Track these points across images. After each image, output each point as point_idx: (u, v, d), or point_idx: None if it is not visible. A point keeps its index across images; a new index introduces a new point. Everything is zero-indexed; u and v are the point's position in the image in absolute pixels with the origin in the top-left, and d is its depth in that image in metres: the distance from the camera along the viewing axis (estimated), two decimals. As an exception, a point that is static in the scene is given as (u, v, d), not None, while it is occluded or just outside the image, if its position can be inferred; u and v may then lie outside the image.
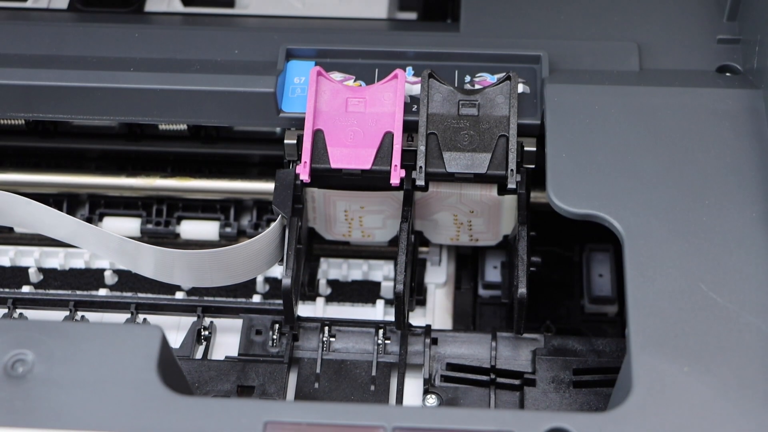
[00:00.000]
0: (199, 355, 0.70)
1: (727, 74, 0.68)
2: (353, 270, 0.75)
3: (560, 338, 0.68)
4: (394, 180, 0.64)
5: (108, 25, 0.71)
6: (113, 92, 0.67)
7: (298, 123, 0.66)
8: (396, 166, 0.64)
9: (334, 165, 0.64)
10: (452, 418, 0.53)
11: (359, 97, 0.65)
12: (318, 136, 0.65)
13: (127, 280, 0.74)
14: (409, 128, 0.65)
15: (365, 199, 0.68)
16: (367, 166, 0.64)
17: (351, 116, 0.65)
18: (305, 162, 0.64)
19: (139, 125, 0.75)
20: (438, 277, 0.74)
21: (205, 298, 0.72)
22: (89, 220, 0.75)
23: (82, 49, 0.70)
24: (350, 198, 0.68)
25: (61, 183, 0.75)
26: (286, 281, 0.64)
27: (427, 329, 0.68)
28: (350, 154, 0.64)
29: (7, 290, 0.73)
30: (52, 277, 0.75)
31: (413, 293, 0.71)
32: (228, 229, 0.76)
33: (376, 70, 0.68)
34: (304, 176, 0.64)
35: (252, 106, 0.67)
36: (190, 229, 0.76)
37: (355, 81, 0.68)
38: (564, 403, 0.65)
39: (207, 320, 0.71)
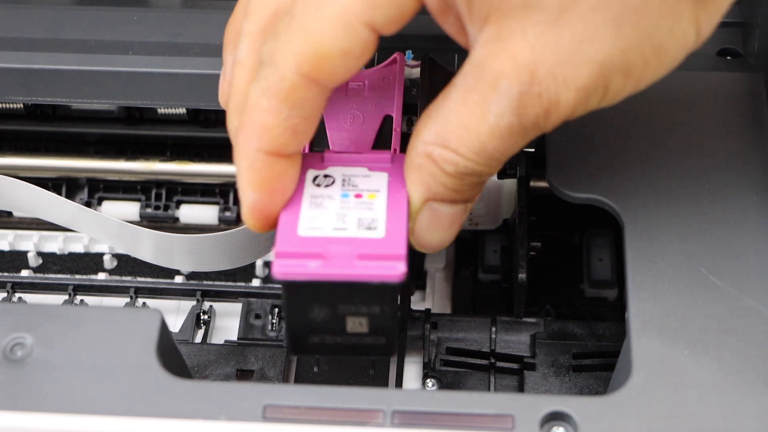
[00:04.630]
0: (198, 339, 0.70)
1: (728, 57, 0.68)
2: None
3: (560, 322, 0.68)
4: (394, 164, 0.64)
5: (107, 9, 0.71)
6: (112, 76, 0.67)
7: (298, 107, 0.66)
8: (395, 149, 0.64)
9: (333, 149, 0.64)
10: (452, 401, 0.53)
11: (359, 80, 0.65)
12: (319, 127, 0.64)
13: (127, 264, 0.74)
14: (409, 112, 0.65)
15: None
16: (367, 149, 0.64)
17: (351, 100, 0.65)
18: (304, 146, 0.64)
19: (138, 109, 0.75)
20: (437, 262, 0.74)
21: (205, 282, 0.72)
22: (88, 204, 0.75)
23: (81, 32, 0.70)
24: None
25: (60, 167, 0.75)
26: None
27: (427, 313, 0.68)
28: (350, 138, 0.64)
29: (6, 274, 0.73)
30: (51, 261, 0.75)
31: (413, 278, 0.71)
32: (227, 213, 0.76)
33: (376, 54, 0.68)
34: None
35: (251, 90, 0.67)
36: (190, 213, 0.76)
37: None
38: (563, 386, 0.65)
39: (206, 304, 0.71)
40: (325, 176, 0.57)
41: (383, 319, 0.55)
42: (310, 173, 0.58)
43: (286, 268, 0.53)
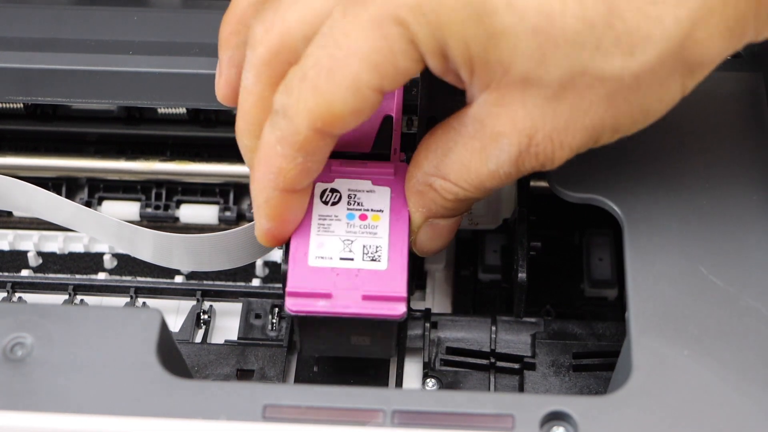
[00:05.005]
0: (198, 338, 0.70)
1: (727, 57, 0.68)
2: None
3: (560, 322, 0.68)
4: (394, 163, 0.64)
5: (107, 8, 0.71)
6: (112, 75, 0.67)
7: (298, 106, 0.66)
8: (396, 149, 0.64)
9: (333, 148, 0.64)
10: (452, 401, 0.53)
11: None
12: None
13: (127, 264, 0.74)
14: (409, 112, 0.65)
15: None
16: (367, 149, 0.64)
17: None
18: None
19: (138, 109, 0.75)
20: (437, 262, 0.74)
21: (205, 282, 0.72)
22: (88, 204, 0.75)
23: (81, 32, 0.70)
24: None
25: (60, 167, 0.75)
26: None
27: (427, 313, 0.68)
28: (349, 138, 0.64)
29: (6, 274, 0.73)
30: (51, 260, 0.75)
31: (413, 277, 0.71)
32: (227, 213, 0.75)
33: (376, 54, 0.68)
34: None
35: (251, 90, 0.67)
36: (190, 212, 0.76)
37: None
38: (564, 386, 0.65)
39: (206, 304, 0.71)
40: (332, 191, 0.61)
41: (384, 338, 0.62)
42: (318, 187, 0.61)
43: (297, 306, 0.59)
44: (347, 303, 0.58)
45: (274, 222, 0.59)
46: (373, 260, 0.60)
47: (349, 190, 0.62)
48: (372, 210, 0.61)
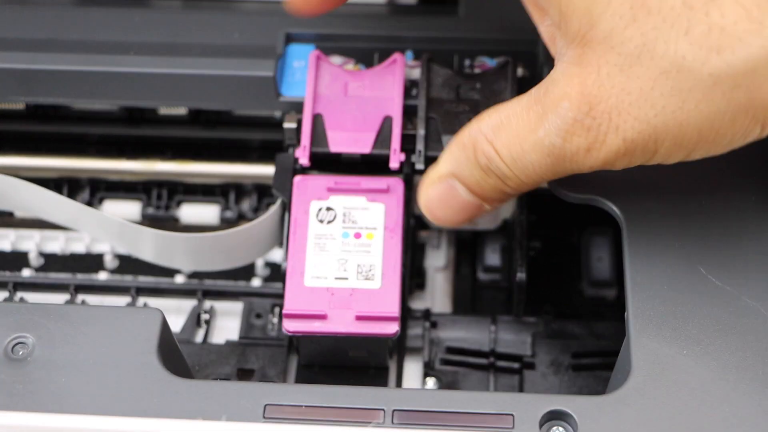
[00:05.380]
0: (199, 338, 0.70)
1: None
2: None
3: (559, 322, 0.68)
4: (394, 164, 0.64)
5: (108, 9, 0.71)
6: (113, 76, 0.67)
7: (298, 107, 0.66)
8: (395, 150, 0.64)
9: (333, 149, 0.64)
10: (452, 400, 0.53)
11: (359, 80, 0.65)
12: (317, 119, 0.65)
13: (128, 264, 0.74)
14: (409, 112, 0.65)
15: None
16: (367, 150, 0.64)
17: (351, 100, 0.65)
18: (304, 146, 0.64)
19: (139, 109, 0.75)
20: (437, 261, 0.74)
21: (206, 282, 0.72)
22: (89, 204, 0.75)
23: (82, 33, 0.70)
24: None
25: (61, 167, 0.75)
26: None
27: (427, 313, 0.68)
28: (350, 138, 0.64)
29: (7, 274, 0.73)
30: (52, 260, 0.75)
31: (412, 277, 0.71)
32: (228, 213, 0.76)
33: (376, 55, 0.68)
34: (304, 160, 0.64)
35: (252, 90, 0.67)
36: (191, 213, 0.76)
37: (355, 65, 0.68)
38: (563, 386, 0.65)
39: (207, 304, 0.71)
40: (328, 209, 0.63)
41: (379, 351, 0.65)
42: (314, 206, 0.63)
43: (294, 327, 0.61)
44: (341, 323, 0.61)
45: None
46: (366, 279, 0.61)
47: (344, 207, 0.63)
48: (366, 228, 0.63)
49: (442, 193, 0.58)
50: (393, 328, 0.61)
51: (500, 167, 0.56)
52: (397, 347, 0.68)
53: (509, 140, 0.55)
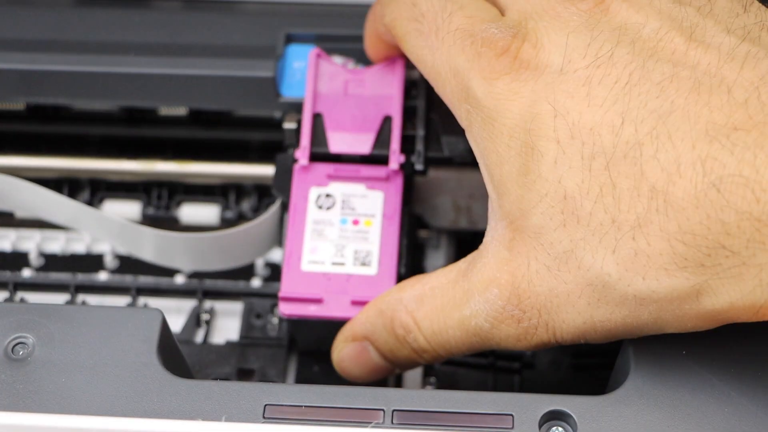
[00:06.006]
0: (199, 338, 0.70)
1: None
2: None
3: (559, 322, 0.68)
4: (393, 165, 0.64)
5: (108, 9, 0.71)
6: (113, 76, 0.67)
7: (298, 107, 0.66)
8: (395, 151, 0.64)
9: (333, 150, 0.64)
10: (451, 400, 0.53)
11: (359, 79, 0.65)
12: (317, 120, 0.65)
13: (128, 264, 0.74)
14: (409, 112, 0.65)
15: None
16: (367, 151, 0.64)
17: (350, 99, 0.65)
18: (304, 146, 0.64)
19: (139, 109, 0.75)
20: (437, 261, 0.74)
21: (206, 282, 0.72)
22: (89, 204, 0.75)
23: (83, 33, 0.70)
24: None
25: (61, 167, 0.75)
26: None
27: (427, 313, 0.68)
28: (350, 139, 0.64)
29: (8, 274, 0.73)
30: (53, 260, 0.75)
31: (414, 271, 0.71)
32: (228, 214, 0.76)
33: (376, 54, 0.68)
34: (303, 160, 0.64)
35: (252, 91, 0.67)
36: (191, 213, 0.76)
37: (355, 65, 0.68)
38: (563, 385, 0.65)
39: (207, 304, 0.71)
40: (327, 196, 0.63)
41: None
42: (314, 192, 0.64)
43: (289, 310, 0.61)
44: (337, 308, 0.61)
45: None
46: (363, 265, 0.62)
47: (343, 194, 0.64)
48: (364, 215, 0.63)
49: (355, 352, 0.60)
50: None
51: (418, 340, 0.57)
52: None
53: (432, 314, 0.56)
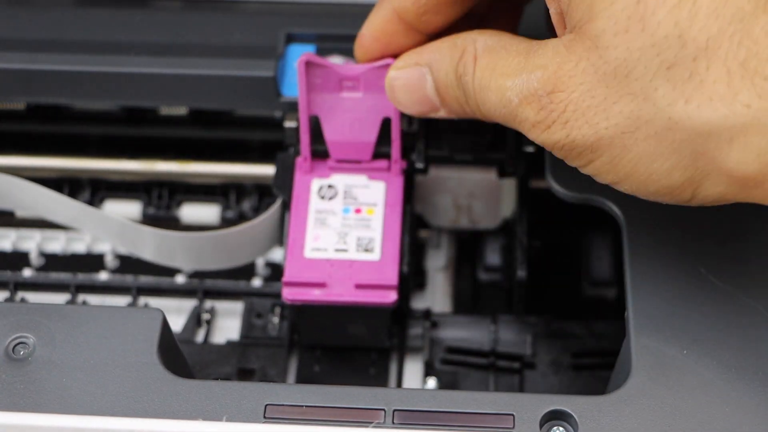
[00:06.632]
0: (200, 338, 0.70)
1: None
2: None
3: (559, 321, 0.68)
4: (395, 172, 0.64)
5: (108, 9, 0.71)
6: (113, 76, 0.67)
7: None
8: (396, 160, 0.64)
9: (334, 158, 0.65)
10: (452, 400, 0.53)
11: (353, 83, 0.64)
12: (316, 128, 0.64)
13: (129, 264, 0.75)
14: (408, 113, 0.65)
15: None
16: (368, 157, 0.64)
17: (347, 104, 0.64)
18: (305, 156, 0.64)
19: (139, 109, 0.75)
20: (438, 261, 0.74)
21: (207, 282, 0.72)
22: (90, 204, 0.75)
23: (83, 33, 0.70)
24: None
25: (62, 167, 0.75)
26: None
27: (427, 313, 0.68)
28: (350, 147, 0.64)
29: (8, 274, 0.73)
30: (53, 260, 0.75)
31: (412, 276, 0.71)
32: (229, 213, 0.76)
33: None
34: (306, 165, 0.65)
35: (252, 91, 0.67)
36: (191, 212, 0.76)
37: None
38: (563, 385, 0.65)
39: (208, 304, 0.71)
40: (329, 187, 0.64)
41: (379, 326, 0.65)
42: (316, 183, 0.64)
43: (292, 295, 0.61)
44: (341, 291, 0.61)
45: (369, 31, 0.61)
46: (366, 251, 0.62)
47: (345, 185, 0.64)
48: (367, 204, 0.63)
49: (412, 78, 0.59)
50: (392, 296, 0.61)
51: (468, 85, 0.56)
52: (399, 344, 0.68)
53: (487, 68, 0.55)
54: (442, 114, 0.59)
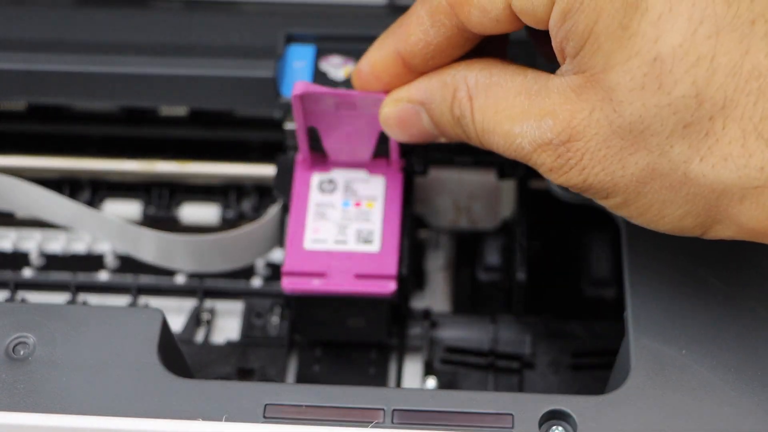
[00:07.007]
0: (200, 338, 0.70)
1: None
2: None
3: (559, 321, 0.68)
4: (394, 171, 0.64)
5: (108, 10, 0.71)
6: (113, 77, 0.67)
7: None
8: (395, 160, 0.64)
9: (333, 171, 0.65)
10: (452, 400, 0.53)
11: (349, 99, 0.63)
12: (314, 135, 0.64)
13: (129, 264, 0.74)
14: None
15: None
16: (366, 162, 0.64)
17: (344, 117, 0.63)
18: (305, 158, 0.65)
19: (139, 109, 0.75)
20: (437, 261, 0.74)
21: (206, 282, 0.72)
22: (90, 204, 0.75)
23: (84, 33, 0.70)
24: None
25: (62, 168, 0.75)
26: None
27: (427, 313, 0.68)
28: (348, 155, 0.64)
29: (9, 274, 0.73)
30: (53, 260, 0.75)
31: (412, 276, 0.71)
32: (229, 214, 0.76)
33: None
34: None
35: (252, 91, 0.67)
36: (191, 213, 0.76)
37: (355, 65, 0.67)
38: (563, 385, 0.65)
39: (208, 303, 0.71)
40: (330, 181, 0.64)
41: (378, 319, 0.64)
42: (316, 177, 0.64)
43: (292, 285, 0.62)
44: (340, 281, 0.61)
45: (369, 68, 0.59)
46: (366, 242, 0.62)
47: (345, 179, 0.64)
48: (366, 197, 0.64)
49: (407, 114, 0.59)
50: (391, 286, 0.62)
51: (469, 127, 0.56)
52: (397, 345, 0.68)
53: (487, 110, 0.55)
54: (443, 140, 0.59)
